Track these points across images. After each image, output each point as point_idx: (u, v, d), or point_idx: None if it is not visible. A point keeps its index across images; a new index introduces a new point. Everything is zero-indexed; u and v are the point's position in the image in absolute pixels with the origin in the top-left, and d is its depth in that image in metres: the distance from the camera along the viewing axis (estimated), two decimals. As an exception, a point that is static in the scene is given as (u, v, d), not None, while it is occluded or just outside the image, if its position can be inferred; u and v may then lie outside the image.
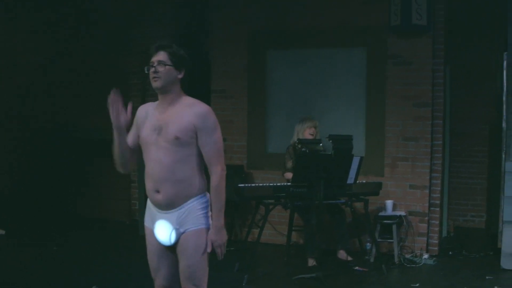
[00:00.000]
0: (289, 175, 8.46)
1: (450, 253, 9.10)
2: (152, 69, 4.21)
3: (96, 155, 11.26)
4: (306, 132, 8.59)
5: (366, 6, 9.16)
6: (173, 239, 4.25)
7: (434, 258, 8.69)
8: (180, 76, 4.29)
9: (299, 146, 8.03)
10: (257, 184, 8.52)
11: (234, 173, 9.46)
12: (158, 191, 4.21)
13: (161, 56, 4.24)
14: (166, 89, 4.25)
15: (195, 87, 11.16)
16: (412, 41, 8.91)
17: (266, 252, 9.02)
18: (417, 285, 7.41)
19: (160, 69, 4.20)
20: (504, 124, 8.39)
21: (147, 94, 10.60)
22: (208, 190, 4.34)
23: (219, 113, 9.90)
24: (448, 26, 9.13)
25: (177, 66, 4.26)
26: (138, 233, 9.20)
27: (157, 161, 4.19)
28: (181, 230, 4.24)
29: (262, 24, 9.79)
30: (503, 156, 8.36)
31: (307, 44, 9.62)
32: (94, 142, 11.25)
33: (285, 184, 8.01)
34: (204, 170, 4.34)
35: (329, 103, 9.46)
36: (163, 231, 4.26)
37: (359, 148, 8.75)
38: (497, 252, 8.34)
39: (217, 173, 4.25)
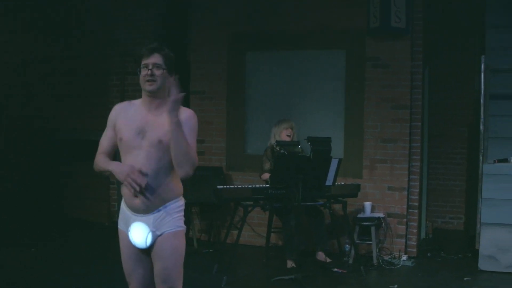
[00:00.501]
0: (266, 175, 8.50)
1: (429, 254, 9.15)
2: (148, 71, 4.14)
3: (75, 156, 11.24)
4: (283, 133, 8.61)
5: (345, 9, 9.18)
6: (149, 241, 4.23)
7: (413, 260, 8.73)
8: (169, 83, 4.18)
9: (278, 148, 8.04)
10: (235, 186, 8.52)
11: (213, 175, 9.46)
12: (136, 196, 4.16)
13: (157, 58, 4.17)
14: (158, 94, 4.19)
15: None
16: (391, 43, 8.94)
17: (245, 254, 9.02)
18: (395, 286, 7.44)
19: (157, 72, 4.14)
20: (482, 127, 8.44)
21: (126, 95, 10.57)
22: (183, 194, 4.37)
23: (199, 114, 9.75)
24: (427, 29, 9.17)
25: (170, 70, 4.23)
26: (117, 234, 9.14)
27: (139, 165, 4.12)
28: (158, 233, 4.21)
29: (242, 26, 9.79)
30: (481, 158, 8.41)
31: (286, 47, 9.64)
32: (74, 142, 11.23)
33: (264, 186, 8.00)
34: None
35: (308, 105, 9.48)
36: (139, 233, 4.22)
37: (337, 150, 8.77)
38: (475, 253, 8.39)
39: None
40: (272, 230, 8.59)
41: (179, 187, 4.31)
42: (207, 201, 9.25)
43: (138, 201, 4.17)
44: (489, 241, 8.13)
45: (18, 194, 11.04)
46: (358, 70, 9.15)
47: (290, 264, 8.07)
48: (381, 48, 9.00)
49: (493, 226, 8.12)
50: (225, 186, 8.14)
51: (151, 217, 4.19)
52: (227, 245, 8.65)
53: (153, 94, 4.18)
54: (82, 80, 11.25)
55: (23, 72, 11.33)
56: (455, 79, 10.98)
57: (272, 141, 8.65)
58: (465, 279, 7.80)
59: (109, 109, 4.37)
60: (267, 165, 8.61)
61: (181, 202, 4.33)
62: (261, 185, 8.11)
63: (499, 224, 8.11)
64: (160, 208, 4.20)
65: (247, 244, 9.45)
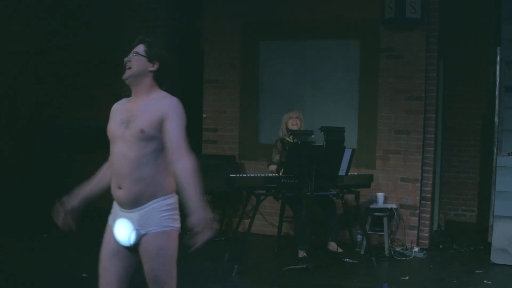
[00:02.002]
0: (273, 167, 8.55)
1: (441, 246, 9.13)
2: (127, 59, 4.15)
3: (85, 144, 11.25)
4: (288, 122, 8.62)
5: (360, -1, 9.17)
6: (132, 239, 4.06)
7: (424, 252, 8.71)
8: (152, 68, 4.15)
9: (291, 137, 8.05)
10: (248, 175, 8.51)
11: (225, 163, 9.48)
12: (120, 187, 4.04)
13: (139, 48, 4.18)
14: (136, 81, 4.13)
15: (188, 77, 11.13)
16: (406, 34, 8.90)
17: (257, 243, 9.03)
18: (407, 278, 7.43)
19: (133, 59, 4.14)
20: (496, 119, 8.39)
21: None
22: (177, 191, 4.13)
23: (212, 103, 9.94)
24: (442, 21, 9.13)
25: (151, 58, 4.15)
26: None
27: (121, 155, 4.02)
28: (142, 231, 4.03)
29: (256, 16, 9.78)
30: (495, 151, 8.37)
31: (300, 36, 9.62)
32: (83, 131, 11.24)
33: (277, 175, 8.01)
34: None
35: (321, 95, 9.46)
36: (123, 230, 4.09)
37: (351, 141, 8.75)
38: (488, 246, 8.36)
39: (186, 157, 3.95)
40: (284, 219, 8.60)
41: (169, 183, 4.10)
42: (220, 190, 9.25)
43: (121, 193, 4.05)
44: (501, 234, 8.10)
45: (26, 184, 11.06)
46: (372, 61, 9.13)
47: (301, 253, 8.06)
48: (396, 39, 8.97)
49: (506, 219, 8.08)
50: (237, 175, 8.13)
51: (136, 213, 4.04)
52: (239, 234, 8.65)
53: (128, 81, 4.13)
54: (91, 71, 11.24)
55: (33, 62, 11.34)
56: (470, 71, 10.93)
57: (281, 132, 8.69)
58: (476, 271, 7.77)
59: (121, 97, 4.35)
60: (276, 157, 8.61)
61: (171, 200, 4.09)
62: (273, 174, 8.12)
63: (512, 217, 8.08)
64: (146, 205, 4.03)
65: (259, 233, 9.47)
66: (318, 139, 8.11)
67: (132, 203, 4.04)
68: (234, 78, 9.92)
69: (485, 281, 7.31)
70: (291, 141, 8.23)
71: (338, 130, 7.77)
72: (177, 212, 4.12)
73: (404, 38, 8.91)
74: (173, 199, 4.11)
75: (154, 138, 3.98)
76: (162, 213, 4.04)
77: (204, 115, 10.01)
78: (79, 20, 11.42)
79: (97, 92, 11.12)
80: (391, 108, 9.01)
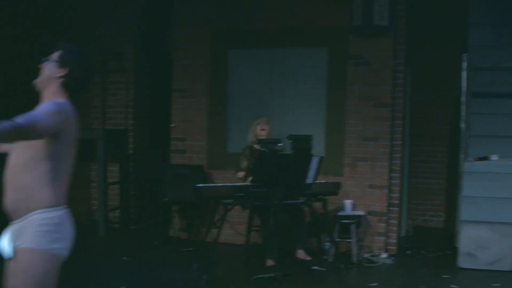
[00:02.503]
0: (241, 174, 8.56)
1: (409, 252, 9.17)
2: (41, 64, 3.97)
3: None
4: (257, 128, 8.67)
5: (327, 7, 9.18)
6: (8, 252, 3.79)
7: (393, 258, 8.74)
8: (58, 74, 3.90)
9: (259, 146, 8.04)
10: (216, 184, 8.49)
11: (193, 173, 9.43)
12: (5, 195, 3.78)
13: (54, 53, 3.97)
14: (44, 86, 3.92)
15: (157, 86, 11.05)
16: (374, 41, 8.94)
17: (225, 252, 8.97)
18: (376, 284, 7.44)
19: (45, 64, 3.94)
20: (463, 125, 8.47)
21: (108, 93, 10.50)
22: (70, 204, 3.92)
23: (180, 113, 9.90)
24: (410, 27, 9.18)
25: (61, 63, 3.91)
26: (97, 233, 9.13)
27: (8, 162, 3.79)
28: (15, 244, 3.72)
29: (224, 24, 9.76)
30: (462, 156, 8.44)
31: (268, 44, 9.61)
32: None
33: (244, 184, 7.99)
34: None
35: (289, 103, 9.46)
36: (4, 242, 3.83)
37: (319, 148, 8.76)
38: (455, 251, 8.43)
39: (21, 120, 3.33)
40: (252, 228, 8.58)
41: (48, 196, 3.74)
42: (187, 200, 9.22)
43: (5, 200, 3.79)
44: (468, 238, 8.17)
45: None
46: (340, 68, 9.15)
47: (269, 262, 8.04)
48: (364, 46, 9.00)
49: (473, 223, 8.15)
50: (205, 185, 8.11)
51: (16, 225, 3.74)
52: (207, 244, 8.61)
53: (37, 87, 3.92)
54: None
55: (5, 69, 11.21)
56: (438, 78, 11.01)
57: (249, 139, 8.69)
58: (444, 276, 7.82)
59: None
60: (244, 164, 8.61)
61: (49, 215, 3.71)
62: (241, 183, 8.10)
63: (478, 222, 8.14)
64: (25, 217, 3.69)
65: (227, 242, 9.39)
66: (288, 147, 8.13)
67: (13, 212, 3.75)
68: (202, 87, 9.87)
69: (452, 286, 7.36)
70: (260, 148, 8.22)
71: (306, 138, 7.78)
72: (56, 230, 3.75)
73: (372, 45, 8.96)
74: (53, 214, 3.75)
75: (30, 145, 3.67)
76: (36, 227, 3.67)
77: (172, 125, 9.96)
78: (52, 26, 11.28)
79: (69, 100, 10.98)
80: (359, 115, 9.04)
